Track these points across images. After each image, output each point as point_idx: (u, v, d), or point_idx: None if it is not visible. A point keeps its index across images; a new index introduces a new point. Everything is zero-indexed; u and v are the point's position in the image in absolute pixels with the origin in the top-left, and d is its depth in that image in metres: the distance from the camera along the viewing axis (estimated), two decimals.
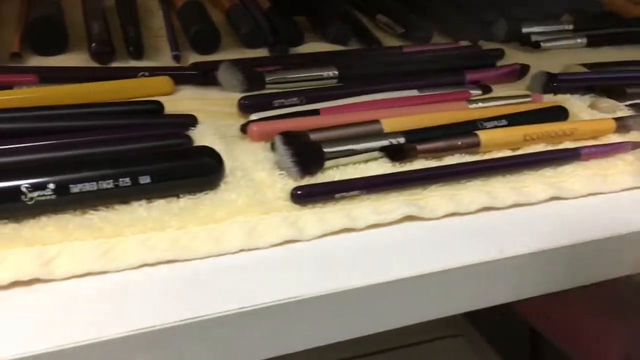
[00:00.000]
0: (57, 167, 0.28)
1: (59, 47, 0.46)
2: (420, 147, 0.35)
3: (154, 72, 0.42)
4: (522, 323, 0.89)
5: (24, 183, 0.27)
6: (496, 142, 0.37)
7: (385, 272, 0.28)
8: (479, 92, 0.45)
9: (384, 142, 0.36)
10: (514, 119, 0.40)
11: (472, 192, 0.33)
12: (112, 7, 0.53)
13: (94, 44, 0.45)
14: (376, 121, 0.38)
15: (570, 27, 0.59)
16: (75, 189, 0.28)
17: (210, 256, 0.28)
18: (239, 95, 0.40)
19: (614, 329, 0.76)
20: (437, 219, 0.32)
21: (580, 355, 0.81)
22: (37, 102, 0.36)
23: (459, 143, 0.36)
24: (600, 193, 0.35)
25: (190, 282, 0.26)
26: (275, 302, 0.26)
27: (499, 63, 0.50)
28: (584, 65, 0.50)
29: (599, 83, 0.47)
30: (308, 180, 0.33)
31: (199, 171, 0.31)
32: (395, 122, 0.38)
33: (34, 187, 0.27)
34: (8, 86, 0.38)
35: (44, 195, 0.27)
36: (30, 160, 0.30)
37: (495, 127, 0.39)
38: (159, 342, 0.24)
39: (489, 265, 0.30)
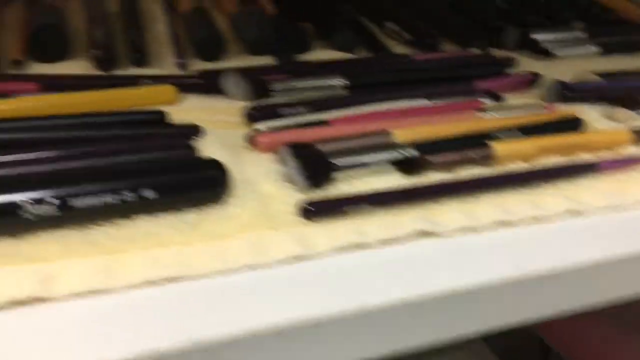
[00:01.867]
0: (58, 181, 0.27)
1: (61, 55, 0.44)
2: (433, 159, 0.34)
3: (157, 80, 0.41)
4: (533, 335, 0.87)
5: (22, 197, 0.26)
6: (511, 154, 0.36)
7: (399, 290, 0.27)
8: (490, 101, 0.44)
9: (395, 154, 0.35)
10: (528, 130, 0.38)
11: (486, 206, 0.32)
12: (115, 13, 0.52)
13: (95, 51, 0.44)
14: (387, 132, 0.36)
15: (583, 34, 0.58)
16: (76, 203, 0.27)
17: (213, 273, 0.27)
18: (244, 105, 0.39)
19: (620, 345, 0.75)
20: (450, 234, 0.31)
21: None
22: (36, 111, 0.35)
23: (473, 155, 0.35)
24: (618, 207, 0.34)
25: (194, 301, 0.25)
26: (291, 322, 0.25)
27: (509, 71, 0.49)
28: (597, 73, 0.49)
29: (613, 92, 0.46)
30: (316, 193, 0.32)
31: (204, 184, 0.30)
32: (406, 132, 0.37)
33: (33, 202, 0.26)
34: (7, 94, 0.37)
35: (43, 209, 0.26)
36: (29, 173, 0.29)
37: (510, 138, 0.38)
38: None
39: (505, 282, 0.28)
